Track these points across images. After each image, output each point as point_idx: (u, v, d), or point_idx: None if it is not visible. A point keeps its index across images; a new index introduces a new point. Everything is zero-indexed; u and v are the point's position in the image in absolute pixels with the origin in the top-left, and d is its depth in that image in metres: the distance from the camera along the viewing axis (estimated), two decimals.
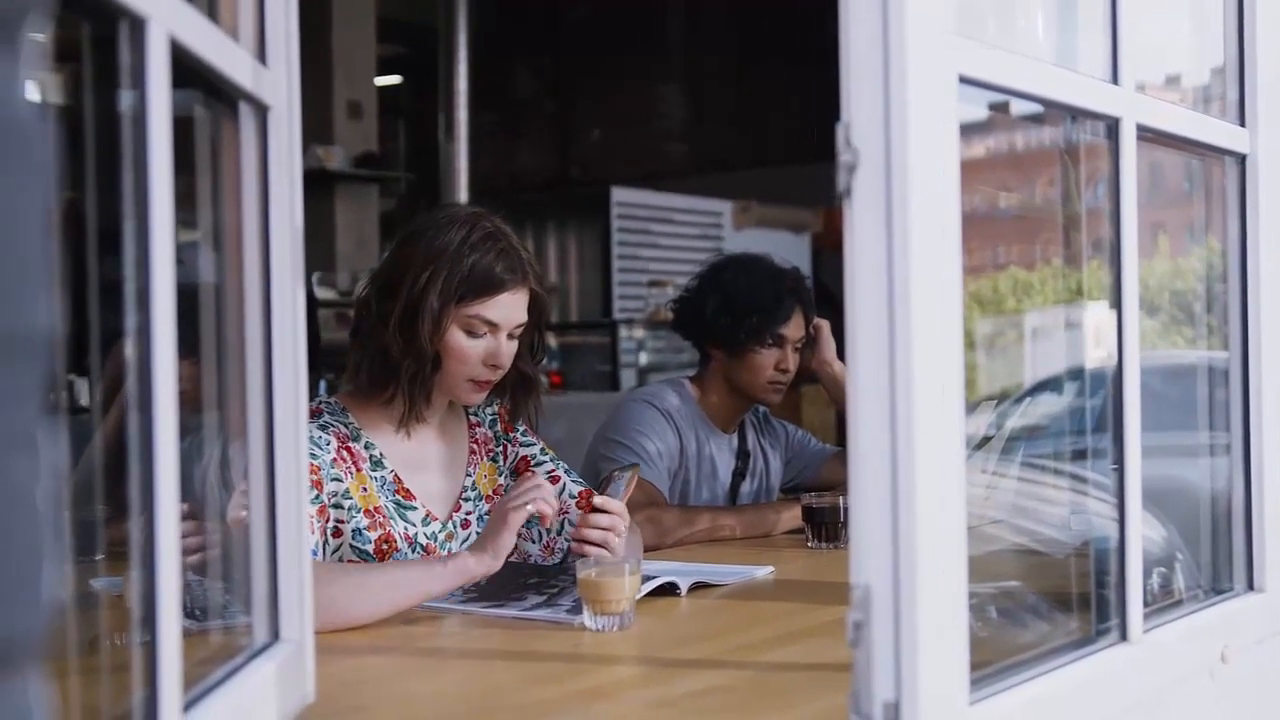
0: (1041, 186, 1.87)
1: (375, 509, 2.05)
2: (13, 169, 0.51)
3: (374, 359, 2.08)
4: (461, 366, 2.07)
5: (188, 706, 1.02)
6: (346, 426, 2.10)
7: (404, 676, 1.59)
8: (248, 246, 1.28)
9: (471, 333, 2.06)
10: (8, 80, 0.51)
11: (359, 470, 2.07)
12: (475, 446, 2.24)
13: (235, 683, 1.17)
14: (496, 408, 2.28)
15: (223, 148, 1.27)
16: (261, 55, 1.28)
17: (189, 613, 1.13)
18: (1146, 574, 1.50)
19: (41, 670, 0.55)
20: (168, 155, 0.96)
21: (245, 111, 1.26)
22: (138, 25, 0.93)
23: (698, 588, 2.07)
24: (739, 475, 2.99)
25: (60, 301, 0.58)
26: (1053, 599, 1.61)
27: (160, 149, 0.95)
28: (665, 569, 2.12)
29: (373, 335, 2.07)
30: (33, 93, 0.54)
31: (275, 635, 1.30)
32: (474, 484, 2.21)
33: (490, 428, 2.28)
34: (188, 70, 1.04)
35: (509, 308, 2.08)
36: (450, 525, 2.15)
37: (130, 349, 0.95)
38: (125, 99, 0.95)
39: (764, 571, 2.24)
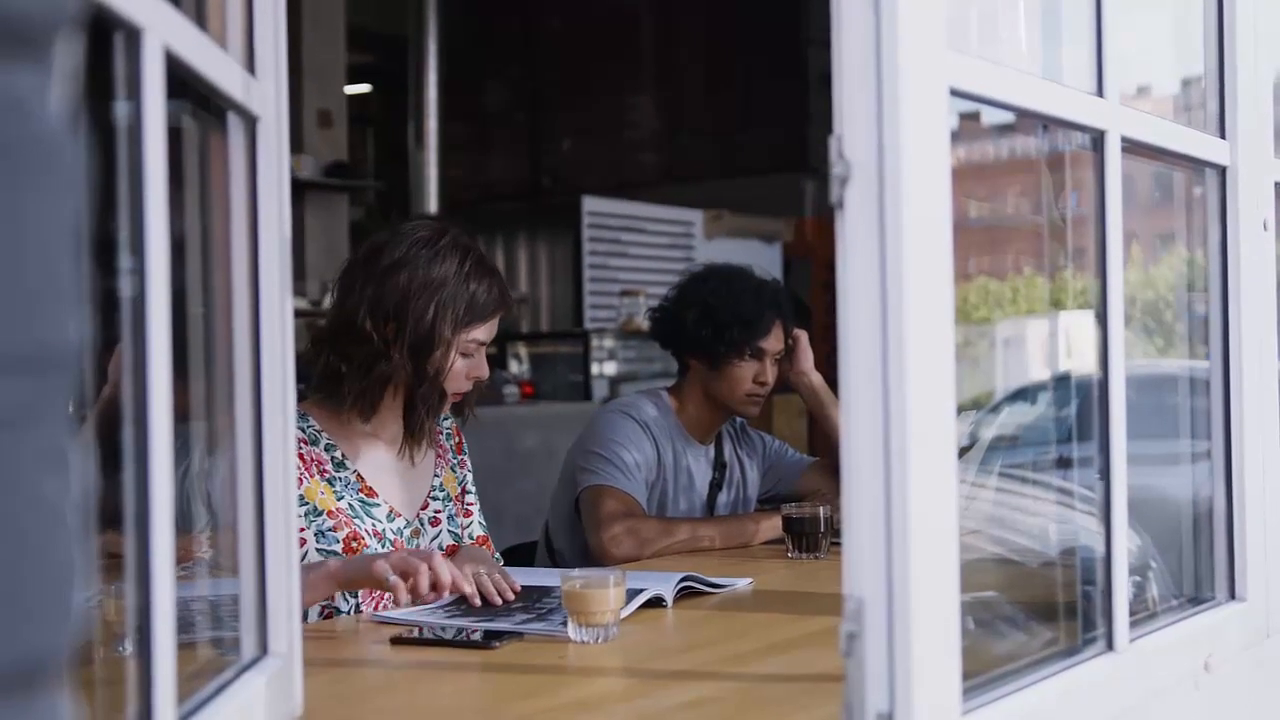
0: (1013, 196, 1.88)
1: (338, 509, 2.10)
2: (45, 184, 0.50)
3: (373, 382, 2.12)
4: (451, 385, 2.17)
5: None
6: (304, 431, 2.13)
7: (392, 691, 1.58)
8: (236, 257, 1.27)
9: (465, 354, 2.17)
10: (39, 97, 0.51)
11: (319, 473, 2.11)
12: (441, 450, 2.33)
13: (225, 697, 1.16)
14: (452, 423, 2.37)
15: (210, 158, 1.26)
16: (250, 66, 1.27)
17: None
18: None
19: (69, 686, 0.55)
20: (163, 165, 0.95)
21: (234, 122, 1.26)
22: (133, 36, 0.93)
23: (685, 594, 2.06)
24: (716, 486, 2.99)
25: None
26: (1037, 609, 1.61)
27: (155, 159, 0.94)
28: (648, 578, 2.11)
29: (372, 360, 2.11)
30: (62, 108, 0.53)
31: (264, 649, 1.29)
32: (441, 484, 2.29)
33: (447, 440, 2.36)
34: (178, 80, 1.04)
35: (495, 326, 2.21)
36: (417, 522, 2.22)
37: (125, 359, 0.94)
38: (119, 109, 0.94)
39: (744, 583, 2.23)
